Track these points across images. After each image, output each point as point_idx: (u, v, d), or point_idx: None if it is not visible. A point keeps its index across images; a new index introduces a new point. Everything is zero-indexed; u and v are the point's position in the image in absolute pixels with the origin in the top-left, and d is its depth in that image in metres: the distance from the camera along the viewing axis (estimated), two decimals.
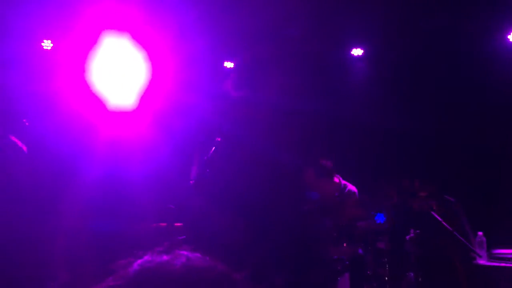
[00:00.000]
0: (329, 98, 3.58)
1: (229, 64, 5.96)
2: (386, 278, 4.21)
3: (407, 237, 4.34)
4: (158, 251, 0.93)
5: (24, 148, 3.44)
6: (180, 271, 0.88)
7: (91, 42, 4.54)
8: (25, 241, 3.38)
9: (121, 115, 4.45)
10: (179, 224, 4.47)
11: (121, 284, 0.87)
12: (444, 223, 4.32)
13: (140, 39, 4.63)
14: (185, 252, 0.93)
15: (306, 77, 3.32)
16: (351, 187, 4.61)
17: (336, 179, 4.56)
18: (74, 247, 3.85)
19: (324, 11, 4.66)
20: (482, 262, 3.98)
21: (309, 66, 3.50)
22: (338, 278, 4.09)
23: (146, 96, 4.57)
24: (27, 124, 3.62)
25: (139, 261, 0.91)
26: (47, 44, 5.03)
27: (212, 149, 2.98)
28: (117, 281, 0.87)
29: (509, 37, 5.53)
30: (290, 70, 3.05)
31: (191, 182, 3.73)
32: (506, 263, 3.82)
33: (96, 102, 4.40)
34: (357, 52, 6.01)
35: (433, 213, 4.40)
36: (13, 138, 3.41)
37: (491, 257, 3.99)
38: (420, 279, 4.20)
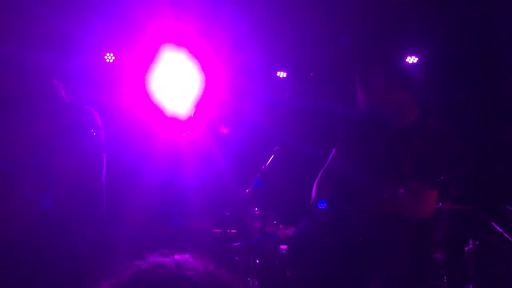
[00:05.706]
0: None
1: (281, 74, 6.05)
2: None
3: (466, 248, 4.19)
4: (160, 253, 0.97)
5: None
6: (167, 274, 0.91)
7: (151, 55, 4.77)
8: (89, 241, 3.57)
9: (178, 123, 4.62)
10: (233, 230, 4.55)
11: (116, 284, 0.92)
12: (506, 235, 4.15)
13: (195, 52, 4.81)
14: (181, 256, 0.96)
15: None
16: None
17: None
18: (135, 250, 4.01)
19: (378, 19, 4.64)
20: None
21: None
22: None
23: (201, 105, 4.72)
24: (94, 134, 3.83)
25: (138, 263, 0.95)
26: (109, 57, 5.31)
27: (270, 158, 3.02)
28: (114, 282, 0.93)
29: None
30: (342, 78, 3.05)
31: (247, 191, 3.78)
32: None
33: (155, 111, 4.60)
34: (412, 59, 5.92)
35: (494, 224, 4.24)
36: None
37: None
38: None
